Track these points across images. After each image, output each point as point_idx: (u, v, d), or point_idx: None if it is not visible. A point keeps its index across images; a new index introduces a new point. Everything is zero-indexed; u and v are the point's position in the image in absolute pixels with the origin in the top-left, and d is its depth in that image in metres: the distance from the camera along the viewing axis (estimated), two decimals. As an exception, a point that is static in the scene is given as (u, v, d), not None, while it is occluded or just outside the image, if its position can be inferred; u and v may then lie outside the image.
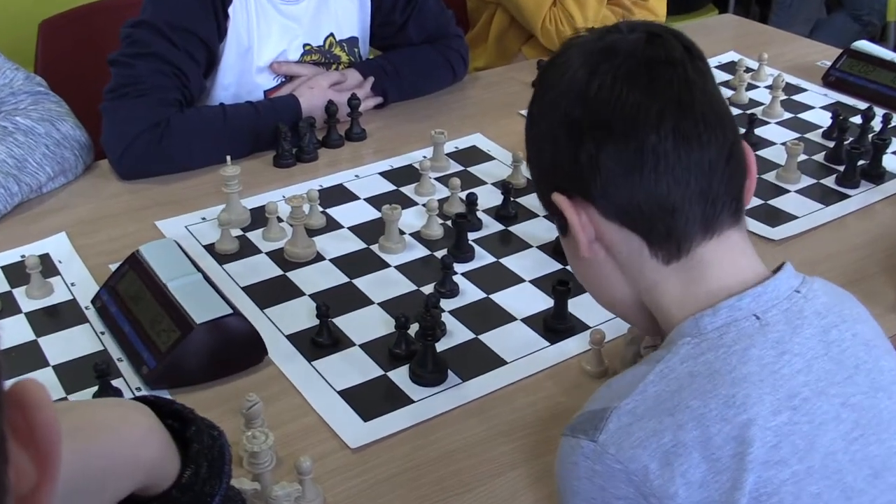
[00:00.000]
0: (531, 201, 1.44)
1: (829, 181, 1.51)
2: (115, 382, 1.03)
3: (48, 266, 1.24)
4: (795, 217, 1.40)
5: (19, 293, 1.20)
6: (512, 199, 1.40)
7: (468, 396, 1.05)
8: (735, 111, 1.72)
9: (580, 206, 0.77)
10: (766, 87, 1.84)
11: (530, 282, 1.25)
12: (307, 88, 1.59)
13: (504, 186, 1.40)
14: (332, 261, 1.28)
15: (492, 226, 1.38)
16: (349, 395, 1.04)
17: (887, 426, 0.73)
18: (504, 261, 1.29)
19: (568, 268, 1.27)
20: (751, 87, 1.84)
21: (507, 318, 1.18)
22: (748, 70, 1.88)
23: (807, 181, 1.51)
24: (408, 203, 1.42)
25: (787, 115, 1.73)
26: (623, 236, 0.77)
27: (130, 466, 0.59)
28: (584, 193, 0.76)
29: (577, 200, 0.77)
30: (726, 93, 1.81)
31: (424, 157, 1.55)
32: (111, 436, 0.58)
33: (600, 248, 0.79)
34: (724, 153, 0.75)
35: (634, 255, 0.77)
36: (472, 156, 1.58)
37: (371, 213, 1.40)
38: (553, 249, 1.31)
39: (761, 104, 1.77)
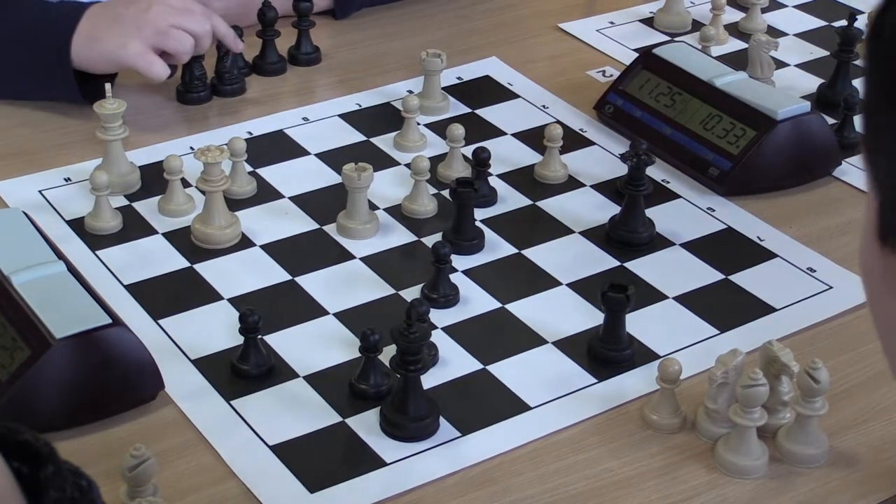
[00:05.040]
0: (573, 161, 1.46)
1: None
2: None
3: None
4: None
5: None
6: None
7: (470, 458, 1.07)
8: None
9: None
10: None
11: (568, 285, 1.27)
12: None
13: (532, 139, 1.42)
14: (266, 248, 1.31)
15: (512, 199, 1.40)
16: (288, 453, 1.06)
17: None
18: (529, 252, 1.32)
19: (628, 265, 1.30)
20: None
21: (531, 339, 1.20)
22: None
23: None
24: (383, 162, 1.44)
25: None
26: None
27: None
28: None
29: None
30: None
31: (410, 91, 1.57)
32: None
33: None
34: None
35: None
36: (485, 91, 1.60)
37: (326, 177, 1.42)
38: (606, 236, 1.33)
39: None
